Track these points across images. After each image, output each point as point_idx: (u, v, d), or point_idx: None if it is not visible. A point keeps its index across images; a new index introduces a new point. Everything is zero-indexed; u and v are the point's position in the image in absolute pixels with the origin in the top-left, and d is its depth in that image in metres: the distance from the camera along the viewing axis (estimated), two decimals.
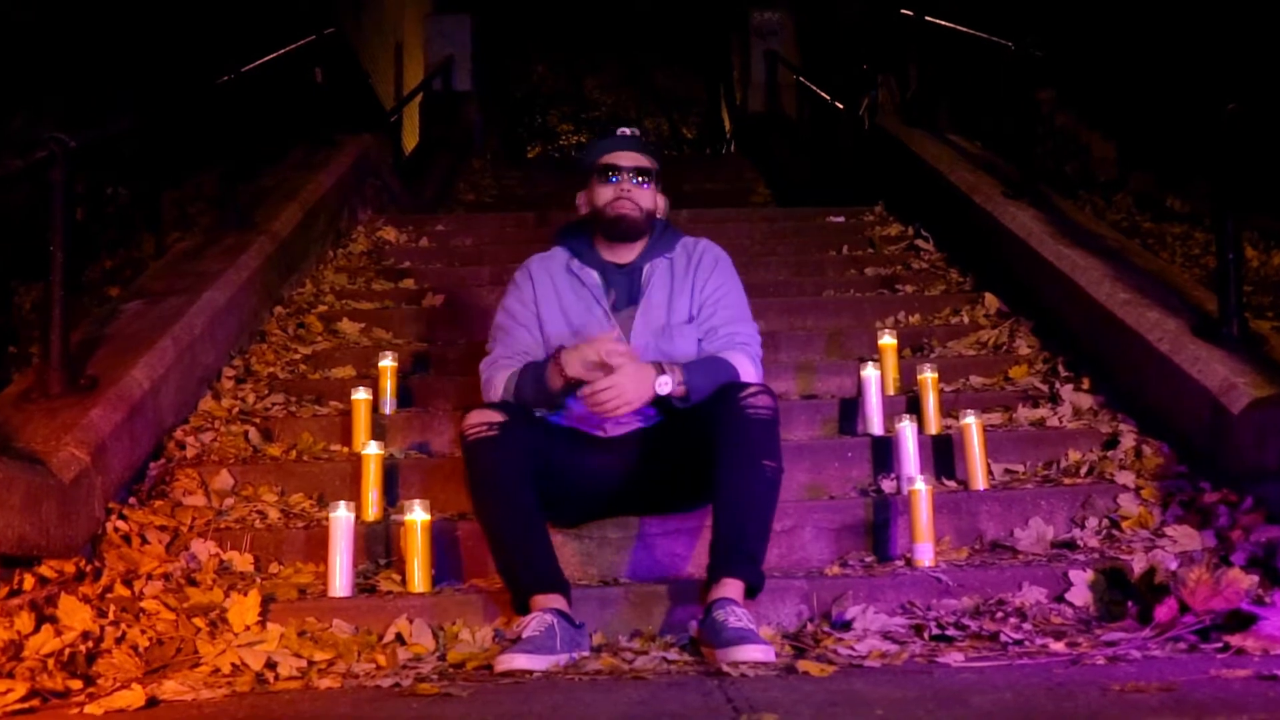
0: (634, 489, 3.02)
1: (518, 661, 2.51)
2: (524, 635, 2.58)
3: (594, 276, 3.14)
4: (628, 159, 3.10)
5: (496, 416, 2.81)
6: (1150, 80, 6.48)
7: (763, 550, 2.75)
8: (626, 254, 3.16)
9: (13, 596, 2.70)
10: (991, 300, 4.79)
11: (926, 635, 2.66)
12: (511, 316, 3.15)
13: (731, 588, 2.66)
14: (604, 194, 3.10)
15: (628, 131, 3.17)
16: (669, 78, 19.77)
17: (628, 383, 2.84)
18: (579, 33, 17.67)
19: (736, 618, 2.56)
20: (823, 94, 9.15)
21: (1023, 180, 5.17)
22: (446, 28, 11.81)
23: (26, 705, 2.35)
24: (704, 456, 2.78)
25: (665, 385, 2.87)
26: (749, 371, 2.98)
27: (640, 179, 3.10)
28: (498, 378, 3.02)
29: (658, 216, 3.18)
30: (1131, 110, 6.78)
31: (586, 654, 2.63)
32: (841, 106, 8.50)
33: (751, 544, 2.72)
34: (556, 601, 2.68)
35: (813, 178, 9.05)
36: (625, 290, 3.13)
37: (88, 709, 2.27)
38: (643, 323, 3.08)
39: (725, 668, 2.44)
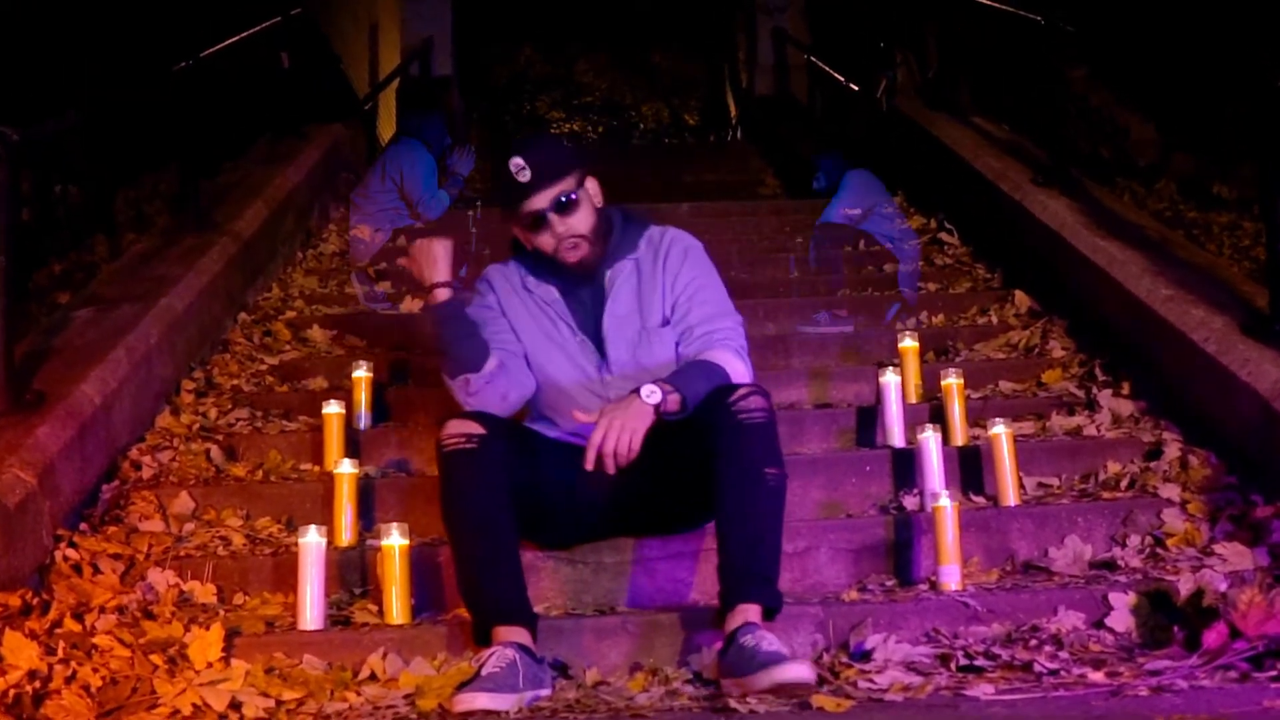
0: (629, 506, 3.01)
1: (479, 701, 2.50)
2: (484, 672, 2.57)
3: (553, 292, 3.10)
4: (543, 198, 2.96)
5: (476, 428, 2.80)
6: (1193, 55, 6.48)
7: (777, 568, 2.74)
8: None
9: None
10: (1022, 298, 4.79)
11: (953, 666, 2.65)
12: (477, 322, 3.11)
13: (751, 613, 2.66)
14: (544, 243, 3.02)
15: (527, 174, 2.95)
16: (668, 59, 19.77)
17: (619, 416, 2.78)
18: (569, 11, 17.68)
19: (768, 641, 2.56)
20: (836, 75, 9.16)
21: (1054, 166, 5.17)
22: (425, 7, 11.82)
23: None
24: (700, 469, 2.77)
25: (654, 395, 2.79)
26: (739, 371, 2.95)
27: (565, 205, 2.98)
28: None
29: (598, 206, 3.07)
30: (1172, 88, 6.77)
31: (548, 691, 2.63)
32: (856, 88, 8.51)
33: (765, 564, 2.72)
34: (520, 635, 2.67)
35: None
36: (590, 302, 3.09)
37: None
38: (614, 334, 3.05)
39: (733, 702, 2.45)
